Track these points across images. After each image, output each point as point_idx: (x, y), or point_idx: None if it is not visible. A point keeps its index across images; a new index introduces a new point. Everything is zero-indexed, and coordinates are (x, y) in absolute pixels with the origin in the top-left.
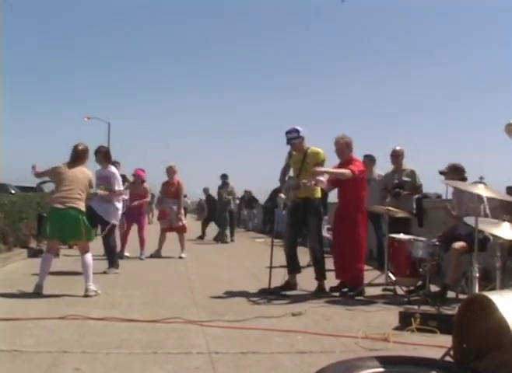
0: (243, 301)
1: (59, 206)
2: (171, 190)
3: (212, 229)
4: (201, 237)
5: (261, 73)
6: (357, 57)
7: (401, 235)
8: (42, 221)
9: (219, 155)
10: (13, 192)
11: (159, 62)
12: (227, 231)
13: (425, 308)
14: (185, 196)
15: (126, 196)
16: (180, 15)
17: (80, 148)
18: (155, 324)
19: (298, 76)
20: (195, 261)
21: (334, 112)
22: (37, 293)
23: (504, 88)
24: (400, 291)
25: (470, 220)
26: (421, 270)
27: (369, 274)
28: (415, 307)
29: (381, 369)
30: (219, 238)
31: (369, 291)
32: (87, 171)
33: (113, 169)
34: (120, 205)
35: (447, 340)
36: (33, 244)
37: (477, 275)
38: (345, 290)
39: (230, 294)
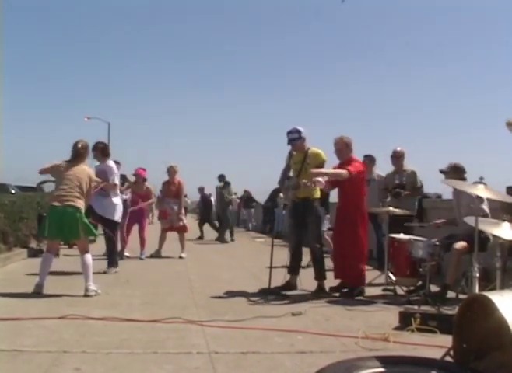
0: (243, 301)
1: (57, 204)
2: (172, 190)
3: (209, 229)
4: (201, 237)
5: (261, 73)
6: (357, 57)
7: (401, 235)
8: (42, 220)
9: (219, 155)
10: (13, 192)
11: (159, 62)
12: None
13: (425, 308)
14: (185, 196)
15: (126, 196)
16: (180, 15)
17: (80, 146)
18: (155, 324)
19: (298, 76)
20: (195, 261)
21: (334, 112)
22: (37, 293)
23: (504, 88)
24: (400, 291)
25: (470, 220)
26: (421, 270)
27: (370, 274)
28: (415, 307)
29: (381, 369)
30: (220, 238)
31: (369, 291)
32: (88, 169)
33: (110, 163)
34: (118, 201)
35: (447, 340)
36: (33, 244)
37: (477, 275)
38: (345, 290)
39: (230, 294)
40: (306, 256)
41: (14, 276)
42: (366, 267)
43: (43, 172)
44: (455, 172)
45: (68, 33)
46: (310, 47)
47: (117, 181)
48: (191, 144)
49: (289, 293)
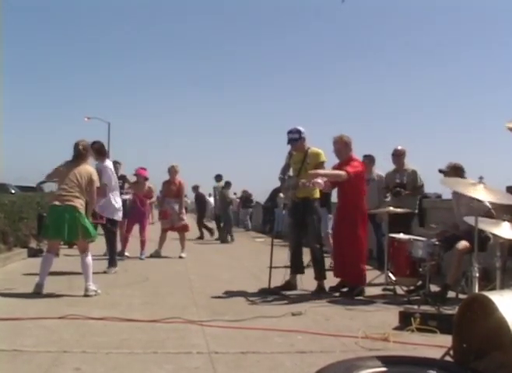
0: (243, 301)
1: (57, 203)
2: (173, 190)
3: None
4: (201, 237)
5: (261, 73)
6: (357, 57)
7: (401, 235)
8: (42, 220)
9: (219, 154)
10: (13, 192)
11: (159, 62)
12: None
13: (425, 308)
14: (185, 196)
15: (127, 196)
16: (180, 15)
17: (81, 146)
18: (155, 324)
19: (298, 76)
20: (195, 261)
21: (334, 112)
22: (37, 293)
23: (504, 88)
24: (400, 290)
25: (470, 219)
26: (421, 269)
27: (370, 274)
28: (415, 307)
29: (381, 369)
30: (222, 238)
31: (369, 291)
32: (90, 169)
33: (106, 163)
34: (117, 199)
35: (447, 340)
36: (33, 244)
37: (477, 275)
38: (345, 290)
39: (230, 294)
40: (306, 256)
41: (14, 276)
42: (366, 267)
43: (48, 177)
44: (455, 172)
45: (68, 33)
46: (310, 47)
47: (105, 181)
48: (191, 144)
49: (288, 293)
